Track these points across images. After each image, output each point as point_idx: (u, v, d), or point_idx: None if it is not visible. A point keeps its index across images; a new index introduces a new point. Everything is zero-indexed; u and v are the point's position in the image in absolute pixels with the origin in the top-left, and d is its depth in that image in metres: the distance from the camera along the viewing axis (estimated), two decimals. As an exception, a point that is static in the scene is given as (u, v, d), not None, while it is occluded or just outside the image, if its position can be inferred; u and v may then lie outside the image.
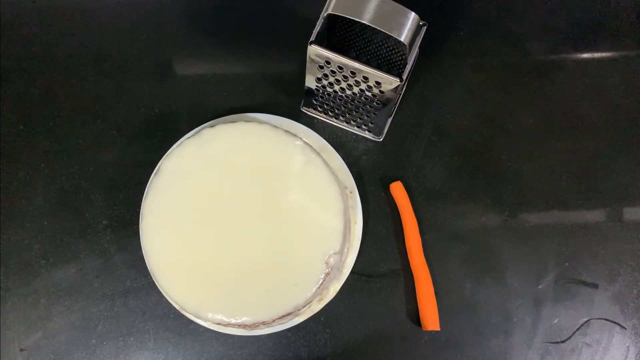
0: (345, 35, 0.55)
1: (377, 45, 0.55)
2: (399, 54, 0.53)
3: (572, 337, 0.57)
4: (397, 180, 0.59)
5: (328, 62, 0.49)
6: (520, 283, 0.58)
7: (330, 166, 0.56)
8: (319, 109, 0.59)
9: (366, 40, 0.55)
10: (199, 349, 0.56)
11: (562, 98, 0.62)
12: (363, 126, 0.59)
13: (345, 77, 0.51)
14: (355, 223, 0.57)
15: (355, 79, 0.50)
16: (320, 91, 0.56)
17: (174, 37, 0.63)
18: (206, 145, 0.55)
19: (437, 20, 0.64)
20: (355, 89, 0.52)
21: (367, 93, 0.52)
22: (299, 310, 0.53)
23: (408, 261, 0.57)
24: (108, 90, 0.62)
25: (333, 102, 0.57)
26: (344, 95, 0.54)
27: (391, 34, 0.44)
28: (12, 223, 0.58)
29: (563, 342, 0.57)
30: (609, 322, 0.57)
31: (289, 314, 0.53)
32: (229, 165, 0.54)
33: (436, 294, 0.57)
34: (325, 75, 0.52)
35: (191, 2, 0.64)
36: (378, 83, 0.49)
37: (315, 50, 0.48)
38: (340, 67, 0.49)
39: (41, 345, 0.55)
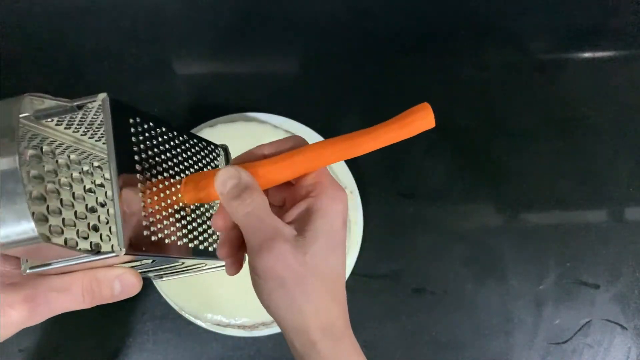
0: None
1: None
2: None
3: (574, 338, 0.56)
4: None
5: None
6: (521, 283, 0.57)
7: (329, 166, 0.56)
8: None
9: None
10: (199, 350, 0.55)
11: (563, 98, 0.62)
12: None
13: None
14: (356, 223, 0.57)
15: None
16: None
17: (173, 37, 0.63)
18: (206, 145, 0.55)
19: (437, 20, 0.64)
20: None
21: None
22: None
23: (407, 262, 0.57)
24: (108, 90, 0.61)
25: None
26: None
27: None
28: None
29: (564, 342, 0.56)
30: (610, 323, 0.57)
31: (288, 315, 0.53)
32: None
33: (436, 293, 0.56)
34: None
35: (191, 2, 0.64)
36: None
37: None
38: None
39: (40, 346, 0.55)
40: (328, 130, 0.60)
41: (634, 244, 0.59)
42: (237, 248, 0.32)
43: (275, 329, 0.54)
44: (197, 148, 0.37)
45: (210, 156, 0.39)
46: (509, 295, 0.57)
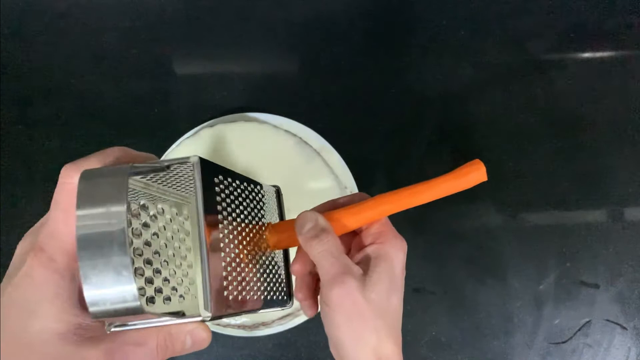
0: None
1: None
2: None
3: (573, 338, 0.57)
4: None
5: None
6: (521, 283, 0.57)
7: (330, 166, 0.56)
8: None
9: None
10: (199, 350, 0.55)
11: (563, 98, 0.62)
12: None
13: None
14: (355, 223, 0.57)
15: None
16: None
17: (173, 36, 0.63)
18: (205, 145, 0.55)
19: (437, 20, 0.64)
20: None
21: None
22: (298, 310, 0.53)
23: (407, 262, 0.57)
24: (108, 90, 0.62)
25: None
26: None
27: None
28: (12, 224, 0.58)
29: (564, 342, 0.57)
30: (610, 323, 0.57)
31: (288, 315, 0.53)
32: (229, 166, 0.54)
33: (436, 293, 0.56)
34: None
35: (190, 2, 0.64)
36: None
37: None
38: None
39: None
40: (328, 130, 0.60)
41: (633, 244, 0.59)
42: (313, 291, 0.36)
43: (275, 329, 0.54)
44: (260, 195, 0.38)
45: (269, 198, 0.40)
46: (509, 295, 0.57)
